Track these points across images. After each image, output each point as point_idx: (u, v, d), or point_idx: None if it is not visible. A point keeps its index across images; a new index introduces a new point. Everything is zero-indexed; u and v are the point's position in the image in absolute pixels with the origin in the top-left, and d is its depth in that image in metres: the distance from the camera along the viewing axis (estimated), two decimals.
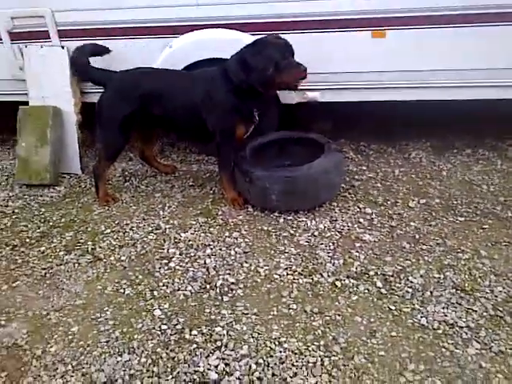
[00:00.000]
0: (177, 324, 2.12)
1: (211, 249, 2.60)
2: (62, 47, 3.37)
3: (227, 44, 3.16)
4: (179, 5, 3.14)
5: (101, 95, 3.01)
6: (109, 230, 2.83)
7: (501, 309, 2.09)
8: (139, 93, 2.90)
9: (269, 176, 2.76)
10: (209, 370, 1.89)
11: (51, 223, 2.95)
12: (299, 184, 2.74)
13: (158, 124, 3.11)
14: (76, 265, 2.55)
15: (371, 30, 3.03)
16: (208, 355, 1.96)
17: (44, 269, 2.54)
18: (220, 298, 2.26)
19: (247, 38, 3.09)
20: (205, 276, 2.40)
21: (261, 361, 1.92)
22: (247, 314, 2.16)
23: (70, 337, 2.09)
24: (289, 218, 2.83)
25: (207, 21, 3.15)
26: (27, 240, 2.79)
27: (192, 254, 2.57)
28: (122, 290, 2.35)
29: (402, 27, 3.00)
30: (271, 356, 1.94)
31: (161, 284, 2.37)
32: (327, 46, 3.10)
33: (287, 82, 2.77)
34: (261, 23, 3.11)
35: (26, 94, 3.53)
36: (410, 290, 2.23)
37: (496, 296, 2.16)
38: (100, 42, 3.28)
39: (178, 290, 2.33)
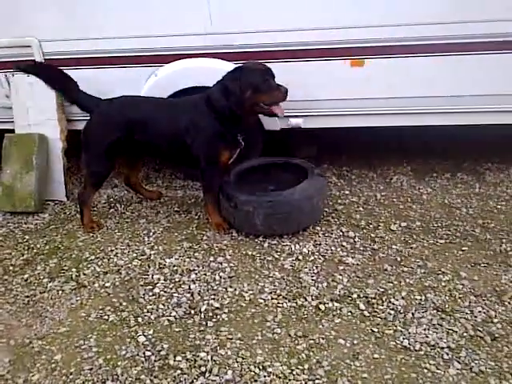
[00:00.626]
0: (161, 350, 2.12)
1: (196, 274, 2.61)
2: None
3: (211, 72, 3.24)
4: (165, 35, 3.23)
5: (87, 122, 3.05)
6: (93, 257, 2.83)
7: (480, 329, 2.13)
8: (125, 120, 2.95)
9: (253, 201, 2.80)
10: None
11: (35, 250, 2.94)
12: (283, 208, 2.78)
13: (144, 150, 3.15)
14: (60, 292, 2.54)
15: (350, 59, 3.13)
16: (192, 381, 1.95)
17: (27, 296, 2.52)
18: (204, 323, 2.26)
19: (231, 67, 3.18)
20: (189, 301, 2.41)
21: None
22: (231, 338, 2.16)
23: (53, 365, 2.07)
24: (273, 242, 2.86)
25: (192, 50, 3.23)
26: (11, 268, 2.78)
27: (176, 280, 2.58)
28: (105, 317, 2.34)
29: (380, 56, 3.11)
30: (255, 381, 1.94)
31: (145, 310, 2.37)
32: (309, 75, 3.20)
33: (275, 98, 2.83)
34: (244, 52, 3.19)
35: (12, 121, 3.56)
36: (392, 312, 2.26)
37: (476, 316, 2.20)
38: (86, 71, 3.35)
39: (163, 315, 2.33)
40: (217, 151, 2.89)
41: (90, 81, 3.29)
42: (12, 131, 3.54)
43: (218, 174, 2.98)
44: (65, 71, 3.27)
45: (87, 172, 3.14)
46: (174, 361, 2.05)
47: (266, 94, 2.78)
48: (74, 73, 3.37)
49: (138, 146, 3.04)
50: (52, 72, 3.28)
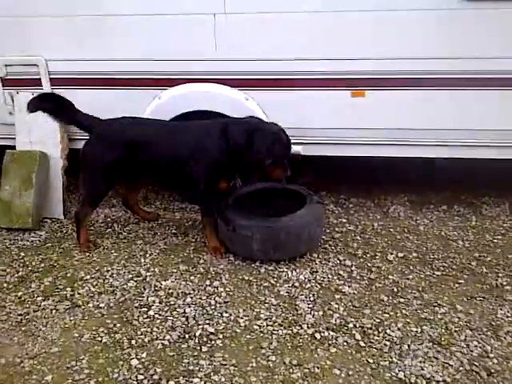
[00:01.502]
0: (154, 374, 2.09)
1: (191, 297, 2.60)
2: None
3: (214, 98, 3.31)
4: (169, 59, 3.28)
5: (86, 141, 3.06)
6: (88, 277, 2.81)
7: (476, 364, 2.11)
8: (126, 140, 2.97)
9: (251, 225, 2.81)
10: None
11: (30, 268, 2.92)
12: (281, 234, 2.79)
13: (144, 172, 3.16)
14: (53, 311, 2.52)
15: (351, 90, 3.19)
16: None
17: (20, 314, 2.49)
18: (199, 348, 2.24)
19: (233, 93, 3.24)
20: (184, 325, 2.39)
21: None
22: (226, 364, 2.14)
23: None
24: (270, 268, 2.85)
25: (196, 75, 3.29)
26: (4, 285, 2.75)
27: (172, 303, 2.56)
28: (99, 338, 2.31)
29: (381, 88, 3.17)
30: None
31: (139, 333, 2.34)
32: (310, 103, 3.25)
33: (275, 176, 2.91)
34: (247, 79, 3.25)
35: (13, 138, 3.58)
36: (387, 343, 2.24)
37: (471, 351, 2.19)
38: (91, 92, 3.40)
39: (157, 339, 2.30)
40: (217, 179, 2.92)
41: (94, 101, 3.34)
42: (13, 148, 3.56)
43: (217, 198, 2.99)
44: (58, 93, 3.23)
45: (85, 191, 3.14)
46: None
47: (278, 169, 2.86)
48: (78, 93, 3.42)
49: (138, 166, 3.05)
50: (49, 99, 3.16)
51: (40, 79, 3.45)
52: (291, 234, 2.80)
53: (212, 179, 2.92)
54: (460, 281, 2.72)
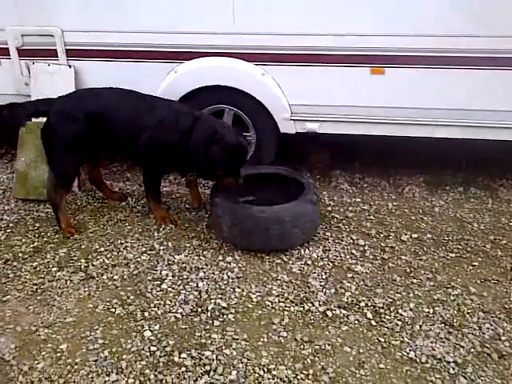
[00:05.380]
0: (166, 346, 2.12)
1: (204, 272, 2.62)
2: (70, 66, 3.44)
3: (230, 72, 3.27)
4: (187, 32, 3.24)
5: (44, 123, 2.93)
6: (103, 249, 2.83)
7: (488, 346, 2.11)
8: (85, 113, 2.87)
9: (222, 206, 2.77)
10: None
11: (45, 239, 2.95)
12: (247, 222, 2.68)
13: (103, 144, 3.06)
14: (68, 282, 2.55)
15: (370, 67, 3.12)
16: (196, 379, 1.96)
17: (35, 284, 2.53)
18: (211, 321, 2.27)
19: (250, 68, 3.19)
20: (196, 299, 2.41)
21: None
22: (237, 339, 2.16)
23: (59, 354, 2.08)
24: None
25: (213, 49, 3.24)
26: (20, 255, 2.79)
27: (185, 277, 2.58)
28: (112, 310, 2.35)
29: (401, 66, 3.10)
30: (260, 383, 1.94)
31: (152, 305, 2.37)
32: (327, 79, 3.19)
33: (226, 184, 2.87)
34: (264, 54, 3.20)
35: None
36: (399, 323, 2.25)
37: (484, 333, 2.19)
38: (106, 64, 3.37)
39: (169, 311, 2.33)
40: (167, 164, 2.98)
41: (109, 73, 3.33)
42: None
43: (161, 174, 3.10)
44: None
45: (54, 173, 2.98)
46: (179, 358, 2.06)
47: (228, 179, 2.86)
48: (94, 64, 3.41)
49: (98, 139, 2.96)
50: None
51: (56, 50, 3.43)
52: (259, 225, 2.66)
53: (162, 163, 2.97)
54: (474, 263, 2.70)
